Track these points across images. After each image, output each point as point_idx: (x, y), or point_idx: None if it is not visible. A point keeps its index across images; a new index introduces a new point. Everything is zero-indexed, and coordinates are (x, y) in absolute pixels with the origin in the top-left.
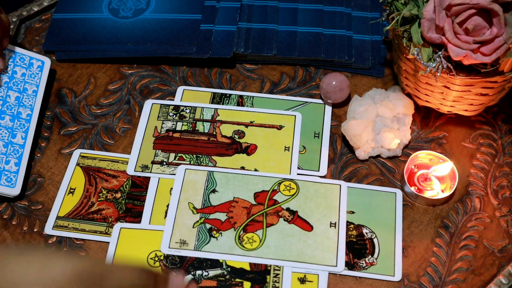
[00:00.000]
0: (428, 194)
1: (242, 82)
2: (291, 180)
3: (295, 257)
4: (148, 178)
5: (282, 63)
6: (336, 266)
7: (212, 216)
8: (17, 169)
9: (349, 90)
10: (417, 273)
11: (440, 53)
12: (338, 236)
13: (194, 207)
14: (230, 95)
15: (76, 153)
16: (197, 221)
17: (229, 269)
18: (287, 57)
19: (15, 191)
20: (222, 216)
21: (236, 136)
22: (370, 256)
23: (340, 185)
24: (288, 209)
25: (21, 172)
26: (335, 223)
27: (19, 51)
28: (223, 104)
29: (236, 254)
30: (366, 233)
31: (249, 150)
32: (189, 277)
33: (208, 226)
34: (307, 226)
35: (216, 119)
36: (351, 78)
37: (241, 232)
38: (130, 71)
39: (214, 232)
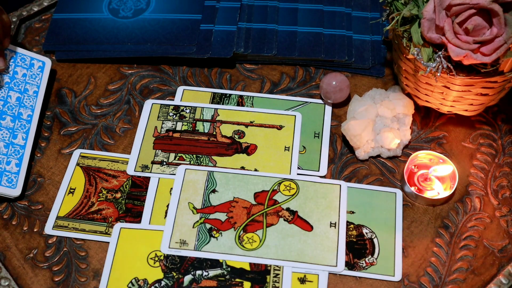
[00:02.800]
0: (428, 194)
1: (242, 82)
2: (291, 180)
3: (295, 257)
4: (148, 178)
5: (282, 63)
6: (336, 266)
7: (212, 216)
8: (18, 170)
9: (349, 90)
10: (417, 273)
11: (440, 53)
12: (338, 236)
13: (194, 207)
14: (230, 95)
15: (76, 153)
16: (197, 221)
17: (229, 269)
18: (287, 57)
19: (16, 192)
20: (222, 216)
21: (236, 136)
22: (370, 256)
23: (340, 185)
24: (288, 209)
25: (22, 173)
26: (335, 223)
27: (20, 52)
28: (223, 104)
29: (236, 254)
30: (366, 233)
31: (249, 150)
32: None
33: (208, 226)
34: (307, 226)
35: (216, 119)
36: (351, 78)
37: (241, 232)
38: (130, 71)
39: (214, 232)
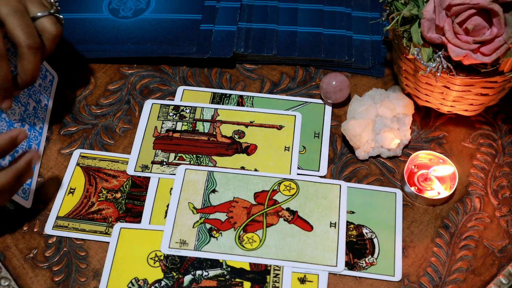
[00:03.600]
0: (428, 194)
1: (242, 82)
2: (291, 180)
3: (295, 257)
4: (148, 178)
5: (282, 63)
6: (336, 266)
7: (212, 216)
8: (30, 181)
9: (349, 90)
10: (417, 273)
11: (440, 53)
12: (338, 236)
13: (194, 207)
14: (230, 95)
15: (76, 153)
16: (197, 221)
17: (229, 269)
18: (287, 57)
19: (28, 204)
20: (222, 216)
21: (236, 136)
22: (370, 256)
23: (340, 185)
24: (288, 209)
25: (33, 186)
26: (335, 223)
27: None
28: (223, 104)
29: (236, 254)
30: (366, 233)
31: (249, 150)
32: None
33: (208, 226)
34: (307, 226)
35: (216, 119)
36: (351, 78)
37: (241, 232)
38: (130, 71)
39: (214, 232)
